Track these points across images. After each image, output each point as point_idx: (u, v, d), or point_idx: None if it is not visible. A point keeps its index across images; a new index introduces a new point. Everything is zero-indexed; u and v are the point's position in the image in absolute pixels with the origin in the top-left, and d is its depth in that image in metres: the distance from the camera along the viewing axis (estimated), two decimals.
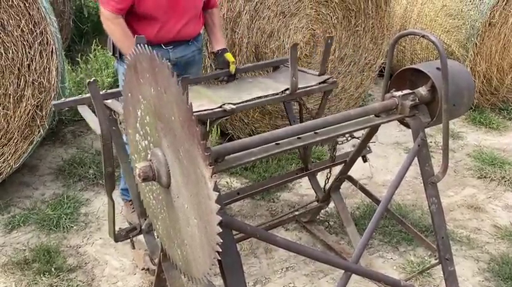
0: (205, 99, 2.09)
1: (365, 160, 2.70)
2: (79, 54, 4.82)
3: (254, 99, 2.18)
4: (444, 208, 3.10)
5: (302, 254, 1.61)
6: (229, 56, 2.47)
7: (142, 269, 2.28)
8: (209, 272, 1.31)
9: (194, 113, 1.24)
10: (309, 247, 1.77)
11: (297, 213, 2.65)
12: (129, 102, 1.58)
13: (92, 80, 1.86)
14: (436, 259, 2.23)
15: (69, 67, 4.73)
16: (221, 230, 1.17)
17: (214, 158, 1.52)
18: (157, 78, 1.30)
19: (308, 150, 2.72)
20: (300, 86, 2.27)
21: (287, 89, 2.26)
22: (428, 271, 2.49)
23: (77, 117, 4.01)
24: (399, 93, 1.96)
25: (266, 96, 2.23)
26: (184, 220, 1.39)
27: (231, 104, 2.05)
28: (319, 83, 2.40)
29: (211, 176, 1.15)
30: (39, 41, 2.64)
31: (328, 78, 2.41)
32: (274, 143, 1.70)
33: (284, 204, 3.14)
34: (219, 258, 1.23)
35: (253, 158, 1.62)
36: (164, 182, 1.42)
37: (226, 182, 3.33)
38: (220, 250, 1.21)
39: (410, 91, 1.97)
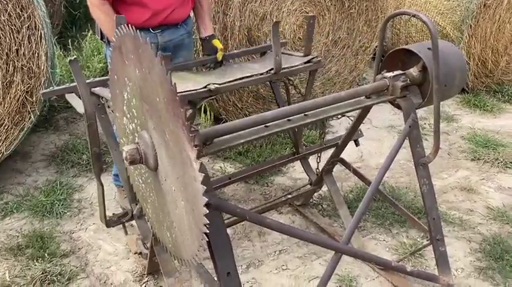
0: (191, 82, 2.07)
1: (357, 144, 2.70)
2: (71, 40, 4.79)
3: (239, 79, 2.16)
4: (437, 190, 3.14)
5: (292, 235, 1.61)
6: (217, 43, 2.45)
7: (135, 253, 2.29)
8: (198, 254, 1.31)
9: (178, 94, 1.23)
10: (299, 229, 1.78)
11: (290, 196, 2.65)
12: (116, 85, 1.56)
13: (72, 58, 1.83)
14: (428, 240, 2.25)
15: (61, 53, 4.70)
16: (208, 212, 1.16)
17: (203, 140, 1.51)
18: (141, 59, 1.28)
19: (298, 134, 2.70)
20: (284, 66, 2.26)
21: (271, 69, 2.24)
22: (420, 252, 2.50)
23: (69, 103, 3.97)
24: (390, 74, 1.95)
25: (251, 76, 2.20)
26: (172, 203, 1.39)
27: (216, 84, 2.04)
28: (306, 62, 2.39)
29: (197, 158, 1.13)
30: (27, 25, 2.60)
31: (312, 58, 2.40)
32: (263, 125, 1.69)
33: (278, 188, 3.14)
34: (207, 239, 1.22)
35: (242, 141, 1.61)
36: (151, 165, 1.41)
37: (220, 167, 3.33)
38: (208, 231, 1.21)
39: (402, 72, 1.96)
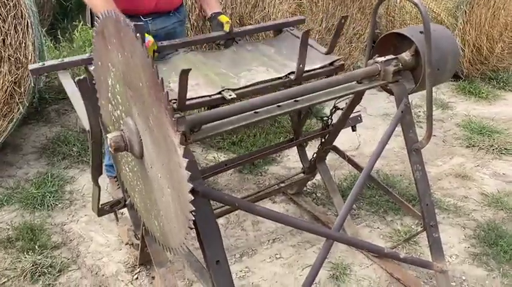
0: (201, 78, 1.90)
1: (354, 129, 2.66)
2: (62, 32, 4.73)
3: (255, 84, 1.90)
4: (432, 177, 3.13)
5: (282, 222, 1.59)
6: (223, 18, 2.29)
7: (126, 244, 2.27)
8: (185, 242, 1.28)
9: (190, 101, 1.15)
10: (290, 216, 1.75)
11: (283, 185, 2.62)
12: (100, 71, 1.53)
13: (82, 78, 1.60)
14: (422, 227, 2.23)
15: (51, 45, 4.64)
16: (193, 198, 1.14)
17: (190, 127, 1.47)
18: (123, 43, 1.25)
19: (303, 120, 2.55)
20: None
21: (291, 72, 1.99)
22: (414, 239, 2.49)
23: (61, 95, 3.94)
24: (382, 59, 1.91)
25: (268, 81, 1.94)
26: (158, 190, 1.36)
27: (231, 90, 1.83)
28: (326, 65, 2.11)
29: (184, 144, 1.10)
30: (13, 14, 2.55)
31: (335, 60, 2.12)
32: (252, 111, 1.66)
33: (272, 177, 3.12)
34: (195, 227, 1.20)
35: (230, 127, 1.57)
36: (137, 152, 1.38)
37: (214, 157, 3.30)
38: (194, 218, 1.18)
39: (393, 56, 1.93)
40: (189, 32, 3.22)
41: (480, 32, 4.51)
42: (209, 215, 1.43)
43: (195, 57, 2.06)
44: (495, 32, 4.62)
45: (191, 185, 1.13)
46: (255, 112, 1.66)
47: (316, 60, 2.12)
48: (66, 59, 1.90)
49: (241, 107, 1.61)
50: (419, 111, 4.00)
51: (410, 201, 2.80)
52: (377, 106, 4.05)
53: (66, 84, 1.89)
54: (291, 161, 3.31)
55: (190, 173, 1.12)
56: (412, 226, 2.64)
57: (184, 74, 1.53)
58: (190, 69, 1.54)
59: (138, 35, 1.15)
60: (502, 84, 4.69)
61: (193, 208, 1.16)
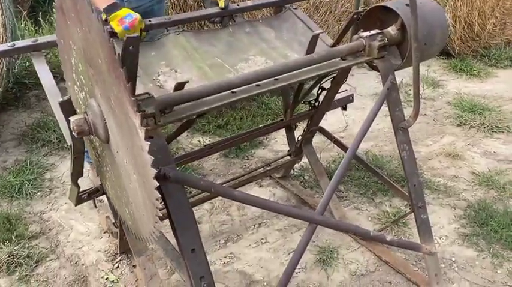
0: (195, 71, 1.77)
1: (344, 108, 2.57)
2: (43, 15, 4.57)
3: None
4: (422, 157, 3.06)
5: (261, 207, 1.51)
6: None
7: (105, 232, 2.19)
8: (155, 230, 1.20)
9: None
10: (269, 200, 1.67)
11: (268, 168, 2.54)
12: (63, 50, 1.42)
13: (66, 99, 1.34)
14: (411, 208, 2.17)
15: (32, 28, 4.49)
16: (157, 184, 1.05)
17: (161, 108, 1.38)
18: (80, 17, 1.14)
19: (295, 103, 2.38)
20: None
21: None
22: (403, 221, 2.44)
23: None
24: (366, 33, 1.82)
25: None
26: (126, 177, 1.27)
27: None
28: None
29: (142, 125, 1.01)
30: None
31: None
32: (229, 91, 1.57)
33: (258, 161, 3.04)
34: (159, 214, 1.12)
35: (205, 108, 1.48)
36: (102, 136, 1.29)
37: (199, 141, 3.21)
38: (160, 206, 1.10)
39: (379, 31, 1.83)
40: (169, 11, 3.09)
41: (472, 7, 4.40)
42: (182, 201, 1.35)
43: (188, 41, 1.90)
44: (487, 8, 4.52)
45: (155, 170, 1.04)
46: (232, 92, 1.58)
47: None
48: (41, 39, 1.75)
49: (217, 87, 1.52)
50: (410, 90, 3.91)
51: (400, 182, 2.74)
52: (367, 86, 3.96)
53: (41, 72, 1.75)
54: (278, 143, 3.23)
55: (153, 158, 1.03)
56: (401, 207, 2.58)
57: (178, 89, 1.43)
58: (187, 82, 1.44)
59: (93, 7, 1.05)
60: (493, 61, 4.61)
61: (159, 195, 1.07)
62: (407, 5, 1.79)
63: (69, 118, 1.29)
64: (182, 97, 1.44)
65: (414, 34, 1.73)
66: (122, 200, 1.42)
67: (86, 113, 1.30)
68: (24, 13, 4.37)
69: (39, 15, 4.63)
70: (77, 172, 1.73)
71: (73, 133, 1.29)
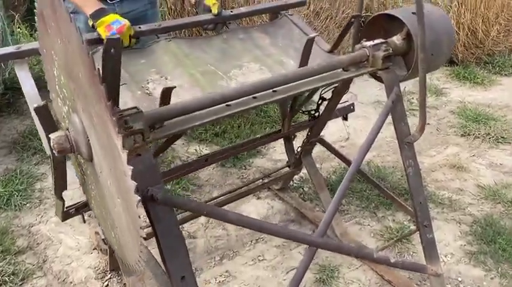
0: (186, 77, 1.69)
1: (345, 118, 2.47)
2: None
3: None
4: (426, 169, 2.96)
5: (258, 229, 1.41)
6: (209, 0, 1.99)
7: (94, 249, 2.09)
8: (140, 259, 1.10)
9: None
10: (267, 223, 1.57)
11: (266, 181, 2.44)
12: (45, 60, 1.33)
13: (41, 105, 1.27)
14: (415, 225, 2.07)
15: (27, 32, 4.40)
16: (141, 214, 0.95)
17: (150, 123, 1.28)
18: (60, 26, 1.05)
19: (293, 112, 2.27)
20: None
21: None
22: (407, 237, 2.33)
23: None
24: (370, 43, 1.72)
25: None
26: (110, 199, 1.17)
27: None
28: None
29: (125, 146, 0.92)
30: None
31: None
32: (224, 104, 1.47)
33: (256, 171, 2.94)
34: (144, 244, 1.02)
35: (198, 123, 1.39)
36: (85, 155, 1.19)
37: (195, 150, 3.11)
38: (144, 235, 1.00)
39: (383, 40, 1.74)
40: (166, 17, 3.01)
41: (475, 14, 4.31)
42: (171, 225, 1.25)
43: (179, 48, 1.81)
44: (491, 14, 4.43)
45: (139, 198, 0.94)
46: (226, 105, 1.48)
47: (316, 59, 1.87)
48: (24, 46, 1.66)
49: (211, 100, 1.43)
50: (413, 99, 3.82)
51: (403, 195, 2.64)
52: (368, 93, 3.87)
53: (23, 80, 1.64)
54: (277, 152, 3.13)
55: (136, 184, 0.93)
56: (405, 222, 2.48)
57: (166, 93, 1.34)
58: (174, 87, 1.35)
59: (72, 16, 0.95)
60: (497, 68, 4.51)
61: (143, 224, 0.97)
62: (413, 13, 1.70)
63: (50, 135, 1.19)
64: (173, 111, 1.34)
65: (421, 44, 1.63)
66: (108, 223, 1.33)
67: (68, 129, 1.20)
68: (17, 16, 4.27)
69: (35, 19, 4.54)
70: (59, 185, 1.63)
71: (53, 151, 1.19)
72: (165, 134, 1.34)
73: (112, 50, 1.08)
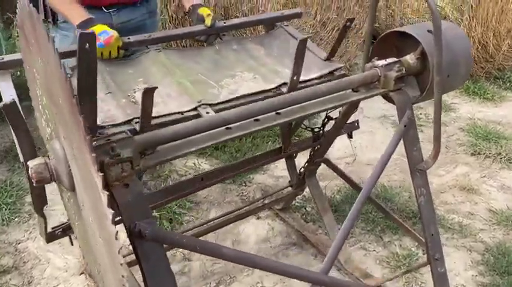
0: (174, 86, 1.59)
1: (350, 137, 2.35)
2: None
3: (238, 98, 1.58)
4: (434, 190, 2.82)
5: (256, 266, 1.29)
6: (203, 10, 1.93)
7: (81, 274, 1.96)
8: None
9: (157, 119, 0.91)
10: (266, 258, 1.42)
11: (267, 202, 2.31)
12: (29, 77, 1.22)
13: (8, 102, 1.19)
14: (424, 252, 1.94)
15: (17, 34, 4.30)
16: (123, 263, 0.83)
17: (140, 150, 1.17)
18: (40, 44, 0.93)
19: (293, 130, 2.22)
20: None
21: (283, 83, 1.65)
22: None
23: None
24: (382, 62, 1.61)
25: (254, 94, 1.61)
26: (92, 235, 1.05)
27: (209, 106, 1.51)
28: (324, 75, 1.77)
29: (104, 187, 0.79)
30: None
31: (336, 69, 1.79)
32: (223, 127, 1.35)
33: (257, 188, 2.81)
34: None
35: (194, 149, 1.27)
36: (66, 184, 1.07)
37: (194, 164, 2.99)
38: (127, 285, 0.88)
39: (396, 59, 1.62)
40: (167, 25, 2.90)
41: (487, 28, 4.19)
42: (161, 263, 1.13)
43: (168, 58, 1.72)
44: (502, 29, 4.31)
45: (120, 245, 0.82)
46: (226, 128, 1.36)
47: (313, 67, 1.79)
48: (7, 57, 1.56)
49: (209, 123, 1.31)
50: (421, 114, 3.70)
51: (411, 219, 2.51)
52: (375, 107, 3.73)
53: (4, 91, 1.54)
54: (278, 169, 3.00)
55: (117, 230, 0.81)
56: (412, 249, 2.35)
57: (147, 94, 1.22)
58: (156, 87, 1.24)
59: (50, 35, 0.83)
60: (508, 84, 4.38)
61: (124, 273, 0.85)
62: (429, 31, 1.58)
63: (28, 163, 1.07)
64: (167, 136, 1.22)
65: (437, 65, 1.52)
66: (91, 257, 1.20)
67: (48, 156, 1.09)
68: (16, 22, 4.18)
69: None
70: (38, 198, 1.50)
71: (32, 182, 1.07)
72: (157, 161, 1.22)
73: (87, 46, 0.96)
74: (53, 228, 1.84)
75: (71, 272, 2.15)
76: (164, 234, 1.18)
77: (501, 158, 3.16)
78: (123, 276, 0.88)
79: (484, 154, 3.23)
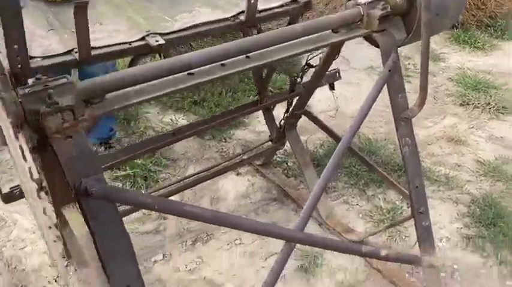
0: (124, 21, 1.46)
1: (332, 88, 2.21)
2: None
3: (191, 27, 1.46)
4: (421, 141, 2.72)
5: (224, 225, 1.18)
6: None
7: None
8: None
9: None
10: (233, 215, 1.33)
11: (246, 157, 2.19)
12: None
13: None
14: (408, 206, 1.86)
15: None
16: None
17: (84, 97, 1.02)
18: None
19: (265, 79, 2.08)
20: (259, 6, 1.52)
21: (241, 12, 1.54)
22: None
23: None
24: (365, 0, 1.44)
25: (209, 23, 1.50)
26: (26, 194, 0.92)
27: (159, 35, 1.39)
28: (287, 3, 1.63)
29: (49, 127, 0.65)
30: None
31: None
32: (186, 72, 1.20)
33: (237, 144, 2.69)
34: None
35: (148, 97, 1.13)
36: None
37: (171, 119, 2.84)
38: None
39: None
40: None
41: None
42: (110, 222, 1.01)
43: None
44: None
45: (44, 204, 0.69)
46: (188, 73, 1.21)
47: None
48: None
49: (168, 67, 1.16)
50: (409, 64, 3.55)
51: (396, 171, 2.43)
52: (362, 57, 3.56)
53: None
54: (260, 123, 2.86)
55: (37, 187, 0.67)
56: (397, 202, 2.27)
57: (79, 12, 1.07)
58: (87, 2, 1.07)
59: None
60: (499, 32, 4.21)
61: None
62: None
63: None
64: (117, 82, 1.08)
65: (426, 2, 1.36)
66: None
67: None
68: None
69: None
70: None
71: None
72: (106, 110, 1.08)
73: None
74: (11, 188, 1.71)
75: (38, 233, 2.03)
76: (116, 192, 1.06)
77: (490, 109, 3.06)
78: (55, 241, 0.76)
79: (473, 104, 3.12)
